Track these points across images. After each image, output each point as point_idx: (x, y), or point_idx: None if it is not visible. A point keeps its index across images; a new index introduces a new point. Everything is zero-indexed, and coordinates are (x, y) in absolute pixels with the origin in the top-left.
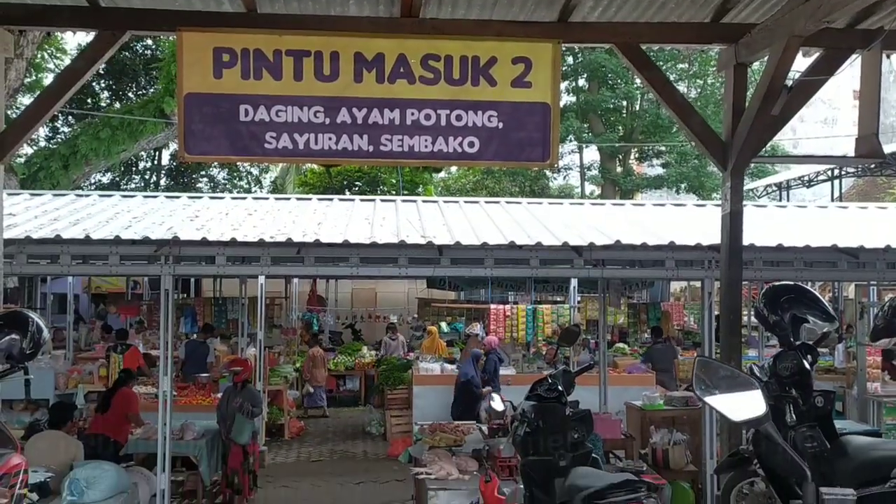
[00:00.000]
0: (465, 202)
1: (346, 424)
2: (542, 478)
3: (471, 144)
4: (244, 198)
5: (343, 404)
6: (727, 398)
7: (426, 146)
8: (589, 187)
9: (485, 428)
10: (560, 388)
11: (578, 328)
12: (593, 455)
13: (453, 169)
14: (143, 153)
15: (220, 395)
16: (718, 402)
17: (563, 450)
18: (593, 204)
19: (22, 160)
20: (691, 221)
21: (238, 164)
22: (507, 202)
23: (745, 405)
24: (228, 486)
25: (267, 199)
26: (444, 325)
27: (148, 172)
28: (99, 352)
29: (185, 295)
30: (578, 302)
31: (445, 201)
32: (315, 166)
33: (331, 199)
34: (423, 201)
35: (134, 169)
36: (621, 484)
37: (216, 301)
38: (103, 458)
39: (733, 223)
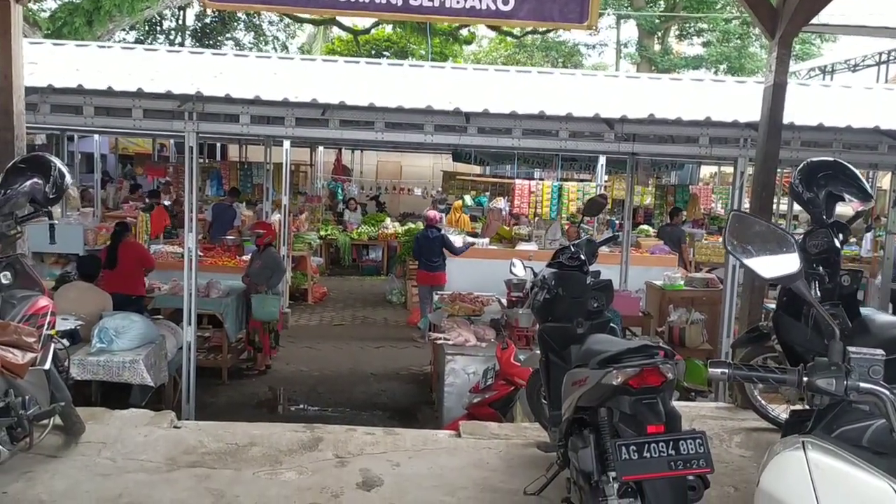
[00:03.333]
0: (496, 70)
1: (368, 293)
2: (559, 344)
3: (505, 1)
4: (269, 57)
5: (366, 273)
6: (760, 254)
7: (457, 1)
8: (624, 65)
9: (504, 299)
10: (582, 256)
11: (605, 198)
12: (611, 324)
13: (484, 42)
14: (167, 12)
15: (245, 258)
16: (750, 257)
17: (581, 317)
18: (629, 77)
19: (46, 14)
20: (729, 99)
21: (264, 28)
22: (539, 72)
23: (777, 262)
24: (250, 343)
25: (292, 58)
26: (468, 198)
27: (172, 33)
28: (127, 210)
29: (212, 159)
30: (605, 181)
31: (475, 69)
32: (343, 34)
33: (357, 62)
34: (453, 68)
35: (158, 28)
36: (639, 349)
37: (242, 166)
38: None
39: (776, 95)
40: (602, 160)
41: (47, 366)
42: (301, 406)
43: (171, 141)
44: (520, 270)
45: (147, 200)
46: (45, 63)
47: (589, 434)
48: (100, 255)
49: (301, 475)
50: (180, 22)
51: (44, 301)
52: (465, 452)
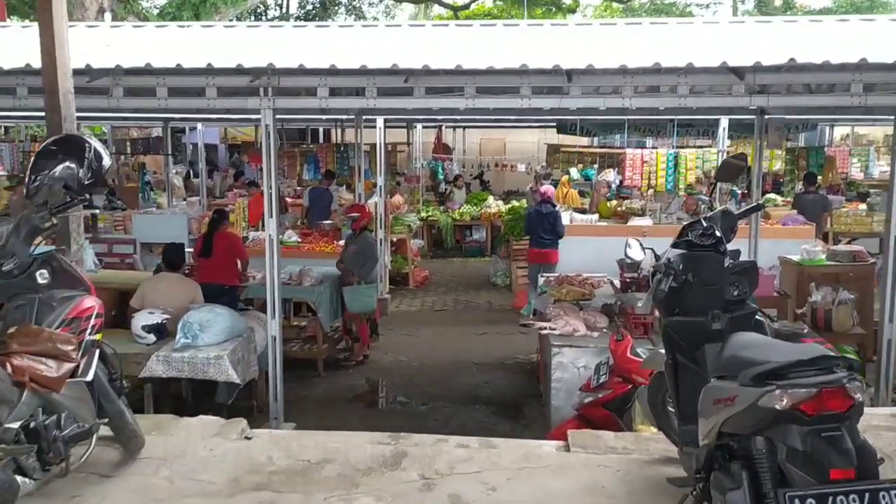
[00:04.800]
0: (602, 24)
1: (471, 275)
2: (690, 342)
3: None
4: (351, 26)
5: (469, 255)
6: None
7: None
8: None
9: (617, 281)
10: (717, 232)
11: (743, 159)
12: (757, 317)
13: (589, 11)
14: (271, 1)
15: (342, 243)
16: None
17: (717, 309)
18: (757, 22)
19: (156, 12)
20: (881, 39)
21: (364, 10)
22: (652, 23)
23: None
24: (347, 332)
25: (376, 26)
26: (574, 171)
27: (276, 20)
28: (231, 199)
29: (309, 142)
30: (728, 146)
31: (577, 24)
32: (443, 11)
33: (446, 25)
34: (552, 24)
35: (263, 17)
36: (812, 361)
37: (338, 148)
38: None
39: None
40: (724, 122)
41: (89, 377)
42: (398, 400)
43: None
44: (637, 252)
45: (249, 188)
46: (117, 45)
47: (741, 471)
48: (196, 242)
49: (379, 501)
50: (284, 10)
51: (89, 301)
52: (576, 472)
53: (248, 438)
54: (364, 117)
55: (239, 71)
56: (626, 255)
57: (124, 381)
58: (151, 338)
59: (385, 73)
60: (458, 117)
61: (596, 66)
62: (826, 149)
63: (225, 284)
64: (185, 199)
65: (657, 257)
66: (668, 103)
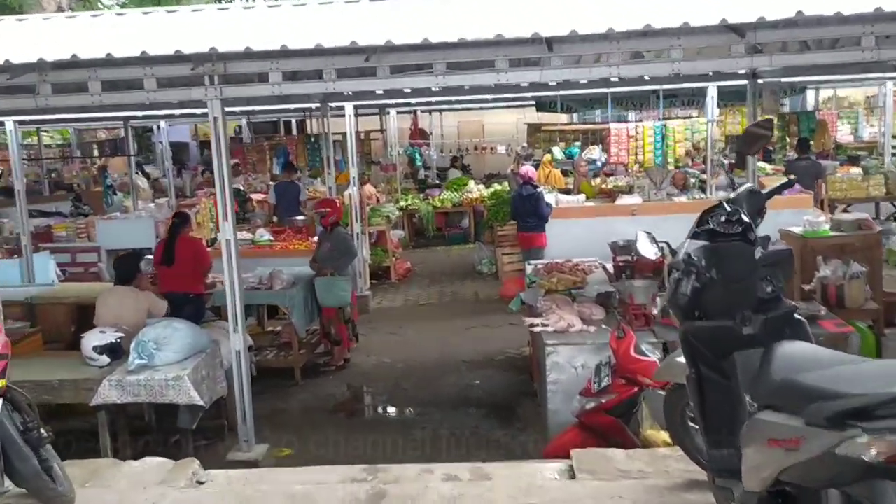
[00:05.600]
0: None
1: (456, 264)
2: (716, 351)
3: None
4: (305, 4)
5: (453, 242)
6: None
7: None
8: None
9: (610, 265)
10: (744, 217)
11: (769, 125)
12: (796, 316)
13: None
14: None
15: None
16: None
17: (747, 310)
18: None
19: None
20: None
21: None
22: None
23: None
24: (326, 336)
25: (331, 2)
26: (556, 150)
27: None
28: (200, 198)
29: (283, 135)
30: (718, 115)
31: None
32: None
33: None
34: None
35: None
36: None
37: (308, 139)
38: (188, 316)
39: None
40: (713, 90)
41: None
42: (383, 407)
43: (244, 121)
44: (647, 247)
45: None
46: (43, 36)
47: None
48: (156, 249)
49: None
50: None
51: None
52: None
53: (199, 483)
54: (333, 104)
55: (179, 58)
56: (637, 251)
57: (44, 430)
58: (104, 359)
59: (344, 53)
60: (433, 100)
61: (580, 32)
62: (818, 113)
63: (190, 293)
64: (152, 202)
65: (673, 252)
66: (660, 70)
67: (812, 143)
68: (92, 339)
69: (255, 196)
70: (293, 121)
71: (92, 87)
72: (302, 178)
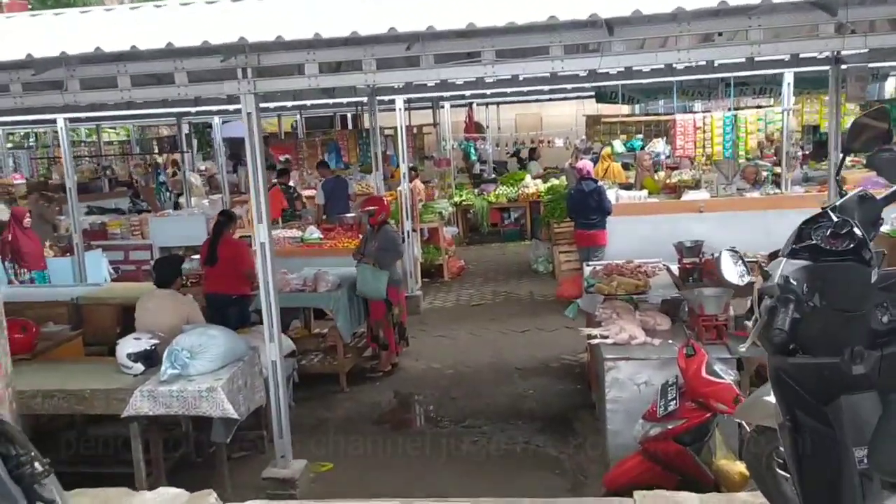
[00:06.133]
0: None
1: (511, 262)
2: (818, 394)
3: None
4: None
5: (508, 239)
6: None
7: None
8: None
9: (675, 267)
10: (857, 231)
11: (884, 114)
12: None
13: None
14: None
15: None
16: None
17: (859, 345)
18: None
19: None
20: None
21: None
22: None
23: None
24: (373, 340)
25: None
26: (617, 143)
27: None
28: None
29: (336, 129)
30: (794, 104)
31: None
32: None
33: None
34: None
35: None
36: None
37: (360, 134)
38: (232, 318)
39: None
40: (789, 76)
41: None
42: (430, 419)
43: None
44: (732, 271)
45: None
46: (65, 30)
47: None
48: (202, 248)
49: None
50: None
51: None
52: None
53: None
54: (383, 98)
55: (208, 50)
56: (721, 274)
57: (39, 464)
58: (139, 367)
59: (385, 42)
60: (488, 92)
61: (644, 12)
62: None
63: (233, 294)
64: (207, 198)
65: (765, 275)
66: (735, 54)
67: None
68: (126, 346)
69: (306, 193)
70: (348, 115)
71: (121, 81)
72: (353, 173)
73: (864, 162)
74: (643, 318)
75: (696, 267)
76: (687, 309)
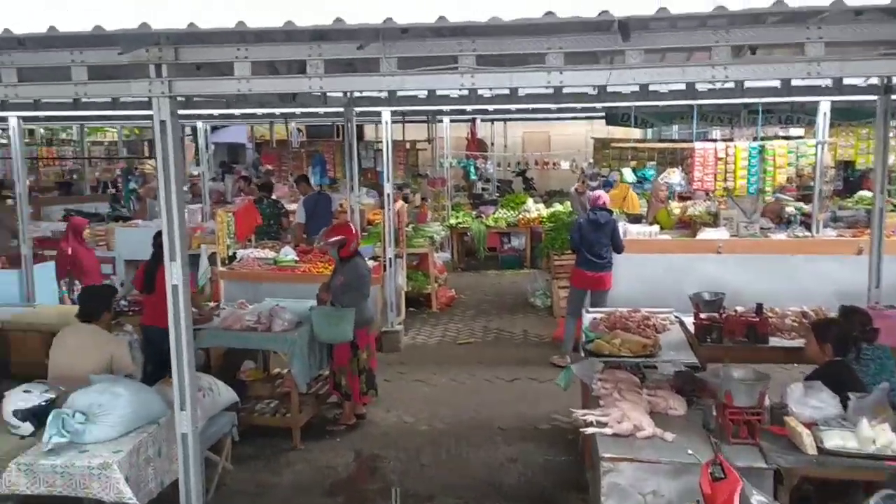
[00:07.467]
0: None
1: (507, 292)
2: None
3: None
4: None
5: (506, 266)
6: None
7: None
8: None
9: (689, 321)
10: None
11: None
12: None
13: None
14: None
15: None
16: None
17: None
18: None
19: None
20: None
21: None
22: None
23: None
24: (335, 387)
25: None
26: (626, 171)
27: None
28: (237, 206)
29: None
30: (829, 137)
31: None
32: None
33: None
34: None
35: None
36: None
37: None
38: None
39: None
40: (825, 106)
41: None
42: (391, 491)
43: (292, 125)
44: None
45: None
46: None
47: None
48: (136, 273)
49: None
50: None
51: None
52: None
53: None
54: (371, 109)
55: (107, 38)
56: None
57: None
58: (28, 427)
59: (335, 39)
60: (490, 107)
61: (672, 11)
62: None
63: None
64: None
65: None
66: (790, 73)
67: None
68: (14, 400)
69: (292, 207)
70: (346, 125)
71: (5, 75)
72: (341, 189)
73: None
74: (652, 397)
75: (715, 324)
76: (705, 386)
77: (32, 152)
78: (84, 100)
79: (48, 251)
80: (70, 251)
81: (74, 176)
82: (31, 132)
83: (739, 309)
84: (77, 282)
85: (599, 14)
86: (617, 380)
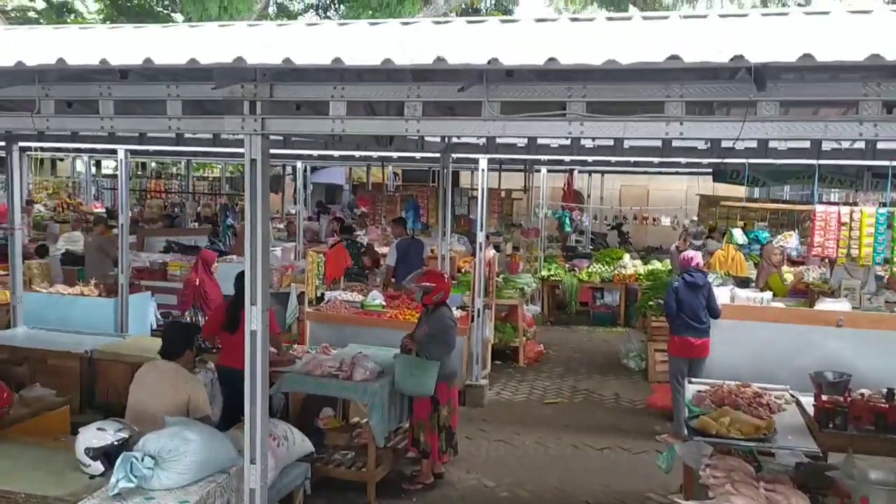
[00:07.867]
0: None
1: (598, 351)
2: None
3: None
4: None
5: (598, 322)
6: None
7: None
8: None
9: (807, 401)
10: None
11: None
12: None
13: None
14: None
15: None
16: None
17: None
18: None
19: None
20: None
21: None
22: None
23: None
24: (414, 443)
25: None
26: (737, 232)
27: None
28: (329, 246)
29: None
30: None
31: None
32: None
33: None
34: None
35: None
36: None
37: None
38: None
39: None
40: None
41: None
42: None
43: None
44: None
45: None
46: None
47: None
48: (216, 310)
49: None
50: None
51: None
52: None
53: None
54: (460, 155)
55: (201, 71)
56: None
57: None
58: (98, 467)
59: (435, 79)
60: (589, 159)
61: (818, 58)
62: None
63: None
64: (280, 246)
65: None
66: None
67: None
68: (87, 438)
69: (383, 250)
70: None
71: (103, 107)
72: (433, 233)
73: None
74: (770, 493)
75: (840, 408)
76: (832, 484)
77: (142, 184)
78: (186, 135)
79: (145, 282)
80: (198, 282)
81: (177, 209)
82: (144, 166)
83: (866, 392)
84: (201, 312)
85: (732, 59)
86: (729, 468)
